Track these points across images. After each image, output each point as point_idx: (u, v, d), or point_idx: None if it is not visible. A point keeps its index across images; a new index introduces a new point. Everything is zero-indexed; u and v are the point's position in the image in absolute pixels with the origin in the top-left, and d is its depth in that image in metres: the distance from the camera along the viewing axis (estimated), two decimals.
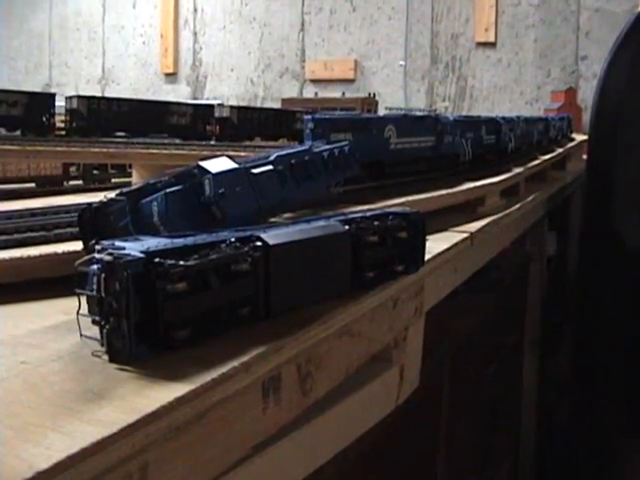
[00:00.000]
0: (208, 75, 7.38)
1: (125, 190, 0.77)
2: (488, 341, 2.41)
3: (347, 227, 0.82)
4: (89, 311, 0.62)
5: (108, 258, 0.59)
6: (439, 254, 1.20)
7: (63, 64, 7.69)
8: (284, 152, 0.94)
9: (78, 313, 0.63)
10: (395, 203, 1.30)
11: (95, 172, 2.07)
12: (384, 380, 1.31)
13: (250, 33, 7.08)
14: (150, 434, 0.52)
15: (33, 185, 1.93)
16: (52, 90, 7.53)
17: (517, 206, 1.82)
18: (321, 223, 0.80)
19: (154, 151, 1.72)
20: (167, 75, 7.48)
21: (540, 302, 3.53)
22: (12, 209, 1.09)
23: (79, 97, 2.02)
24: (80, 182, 2.01)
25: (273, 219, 0.89)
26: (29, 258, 0.84)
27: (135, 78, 7.53)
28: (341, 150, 1.07)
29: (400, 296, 1.27)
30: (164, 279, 0.60)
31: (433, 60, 6.16)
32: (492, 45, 5.84)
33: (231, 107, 2.32)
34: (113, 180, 2.10)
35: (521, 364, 3.16)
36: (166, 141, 2.04)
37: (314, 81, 6.83)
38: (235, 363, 0.61)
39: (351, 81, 6.58)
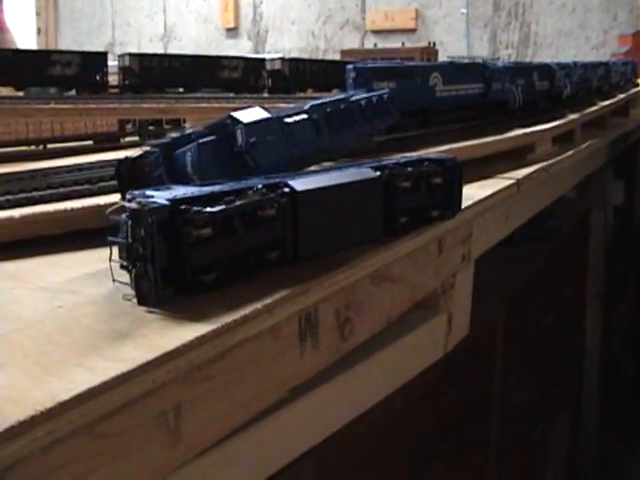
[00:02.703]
0: (269, 29, 7.36)
1: (159, 142, 0.80)
2: (545, 290, 2.39)
3: (379, 173, 0.83)
4: (120, 257, 0.64)
5: (135, 206, 0.62)
6: (482, 200, 1.20)
7: (125, 23, 7.77)
8: (320, 101, 0.95)
9: (110, 260, 0.66)
10: (438, 150, 1.29)
11: (150, 128, 2.11)
12: (431, 327, 1.31)
13: None
14: (171, 371, 0.54)
15: (91, 142, 1.99)
16: (115, 49, 7.63)
17: (570, 153, 1.78)
18: (352, 170, 0.81)
19: (204, 105, 1.74)
20: (228, 30, 7.49)
21: (604, 252, 3.48)
22: (62, 164, 1.13)
23: (131, 55, 2.06)
24: (136, 138, 2.05)
25: (310, 168, 0.90)
26: (72, 210, 0.87)
27: (196, 34, 7.57)
28: (380, 98, 1.07)
29: (445, 242, 1.27)
30: (189, 225, 0.62)
31: (495, 7, 6.02)
32: None
33: (282, 59, 2.33)
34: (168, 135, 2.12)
35: (582, 315, 3.13)
36: (218, 95, 2.07)
37: (375, 32, 6.76)
38: (258, 305, 0.63)
39: (412, 31, 6.48)
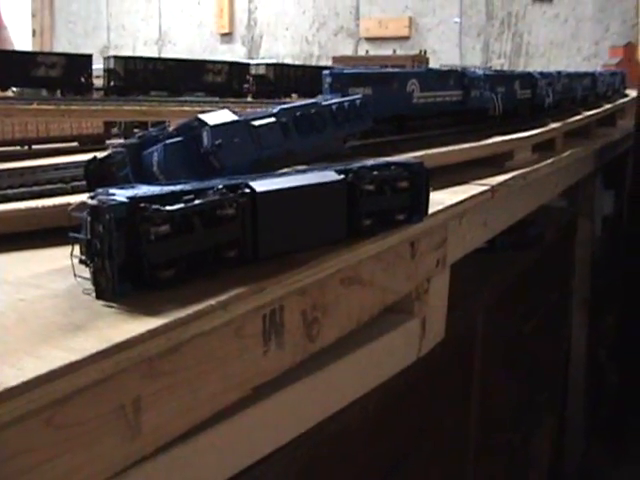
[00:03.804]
0: (263, 35, 7.40)
1: (125, 142, 0.81)
2: (526, 297, 2.41)
3: (342, 176, 0.84)
4: (80, 253, 0.66)
5: (94, 203, 0.64)
6: (453, 205, 1.21)
7: (120, 26, 7.80)
8: (289, 105, 0.97)
9: (72, 255, 0.67)
10: (413, 156, 1.31)
11: (136, 130, 2.12)
12: (404, 331, 1.33)
13: None
14: (120, 362, 0.56)
15: (76, 144, 2.00)
16: (110, 52, 7.65)
17: (549, 161, 1.81)
18: (316, 173, 0.83)
19: (187, 108, 1.76)
20: (223, 35, 7.53)
21: (590, 261, 3.50)
22: (40, 164, 1.14)
23: (115, 57, 2.08)
24: (122, 140, 2.06)
25: (279, 171, 0.92)
26: (43, 208, 0.89)
27: (191, 39, 7.60)
28: (352, 103, 1.09)
29: (419, 247, 1.29)
30: (147, 222, 0.64)
31: (489, 16, 6.06)
32: (549, 0, 5.71)
33: (267, 64, 2.35)
34: None
35: (566, 322, 3.15)
36: (201, 99, 2.09)
37: (369, 39, 6.79)
38: (212, 301, 0.65)
39: (406, 38, 6.52)
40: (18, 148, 1.91)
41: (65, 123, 1.85)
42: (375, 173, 0.90)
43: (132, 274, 0.65)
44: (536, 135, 1.79)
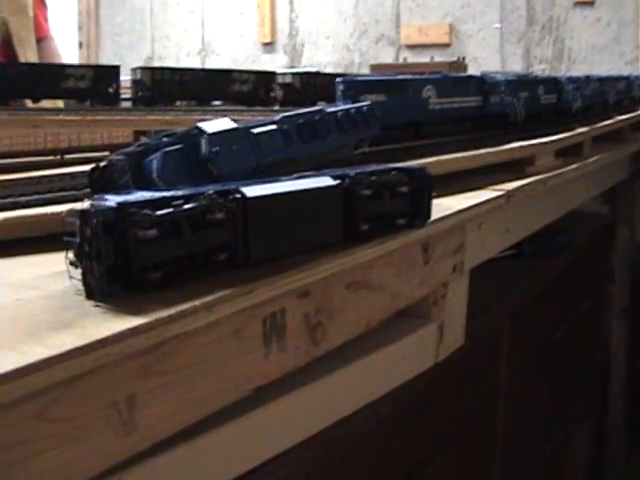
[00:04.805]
0: (305, 43, 7.43)
1: (127, 150, 0.84)
2: (558, 303, 2.39)
3: (338, 181, 0.86)
4: (73, 256, 0.69)
5: (84, 207, 0.66)
6: (463, 210, 1.22)
7: (164, 37, 7.91)
8: (292, 112, 0.99)
9: (67, 258, 0.70)
10: (424, 162, 1.32)
11: None
12: (421, 336, 1.34)
13: (345, 0, 7.08)
14: (100, 358, 0.58)
15: (107, 153, 2.05)
16: (154, 63, 7.77)
17: (574, 166, 1.80)
18: (312, 178, 0.85)
19: (210, 117, 1.79)
20: (265, 44, 7.58)
21: (629, 268, 3.45)
22: (56, 173, 1.18)
23: (142, 68, 2.12)
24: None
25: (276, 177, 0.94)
26: (53, 214, 0.93)
27: (234, 49, 7.67)
28: (358, 110, 1.10)
29: (433, 252, 1.30)
30: (135, 226, 0.67)
31: (529, 22, 6.01)
32: (590, 4, 5.64)
33: (293, 73, 2.38)
34: None
35: (601, 330, 3.11)
36: (227, 107, 2.12)
37: (409, 46, 6.78)
38: (196, 302, 0.67)
39: (446, 45, 6.50)
40: (51, 158, 1.96)
41: (96, 133, 1.90)
42: (373, 178, 0.92)
43: (122, 276, 0.68)
44: (559, 140, 1.78)
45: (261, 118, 0.98)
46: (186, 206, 0.70)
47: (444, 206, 1.28)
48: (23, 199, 0.99)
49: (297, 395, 1.00)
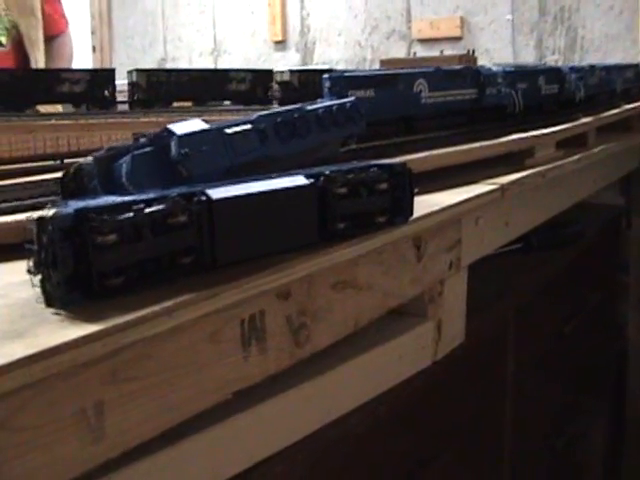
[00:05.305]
0: (316, 41, 7.41)
1: (95, 154, 0.83)
2: (567, 296, 2.36)
3: (310, 180, 0.85)
4: (32, 263, 0.68)
5: (40, 214, 0.65)
6: (452, 206, 1.20)
7: (176, 39, 7.92)
8: (269, 111, 0.97)
9: (28, 266, 0.69)
10: (416, 157, 1.30)
11: None
12: (416, 335, 1.32)
13: None
14: (50, 367, 0.57)
15: None
16: (167, 65, 7.79)
17: (575, 157, 1.77)
18: (283, 178, 0.84)
19: (205, 117, 1.78)
20: (276, 43, 7.57)
21: None
22: (42, 178, 1.18)
23: (137, 71, 2.12)
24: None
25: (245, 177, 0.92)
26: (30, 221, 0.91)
27: (245, 48, 7.67)
28: (341, 106, 1.09)
29: (426, 249, 1.28)
30: (92, 232, 0.65)
31: (541, 12, 5.95)
32: None
33: (291, 71, 2.37)
34: None
35: (615, 322, 3.07)
36: (224, 107, 2.12)
37: (421, 41, 6.74)
38: (156, 307, 0.66)
39: (458, 39, 6.45)
40: (50, 162, 1.96)
41: (95, 137, 1.89)
42: (350, 176, 0.90)
43: (82, 283, 0.67)
44: (560, 131, 1.75)
45: (238, 118, 0.96)
46: (147, 210, 0.69)
47: (436, 201, 1.26)
48: (3, 205, 0.98)
49: (288, 396, 0.99)
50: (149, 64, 7.73)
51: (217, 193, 0.75)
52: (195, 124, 0.86)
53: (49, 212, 0.66)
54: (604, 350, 2.87)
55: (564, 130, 1.79)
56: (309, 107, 1.04)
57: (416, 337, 1.31)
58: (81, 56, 7.37)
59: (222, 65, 7.69)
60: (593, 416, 2.75)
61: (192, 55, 7.77)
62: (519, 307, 1.90)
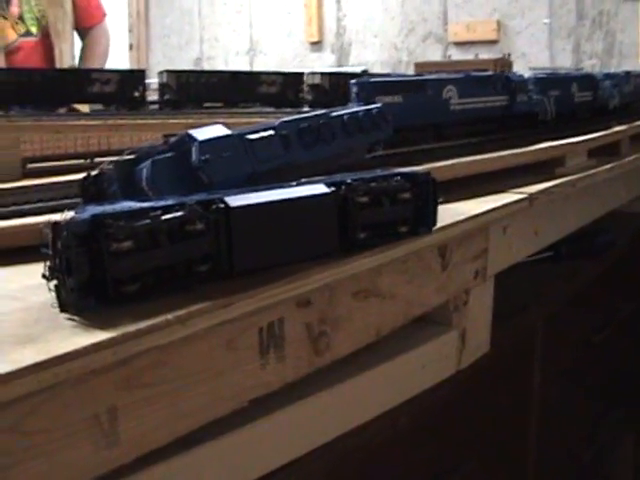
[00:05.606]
0: (352, 42, 7.40)
1: (116, 159, 0.83)
2: (597, 306, 2.32)
3: (331, 189, 0.84)
4: (48, 268, 0.68)
5: (56, 220, 0.65)
6: (476, 216, 1.18)
7: (213, 38, 7.96)
8: (292, 117, 0.97)
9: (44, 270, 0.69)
10: (443, 164, 1.29)
11: None
12: (440, 343, 1.31)
13: None
14: (60, 373, 0.57)
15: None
16: (203, 64, 7.83)
17: (607, 166, 1.74)
18: (303, 186, 0.83)
19: (234, 120, 1.79)
20: (312, 44, 7.57)
21: None
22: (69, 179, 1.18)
23: (168, 72, 2.12)
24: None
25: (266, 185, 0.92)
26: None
27: (281, 48, 7.68)
28: (367, 113, 1.08)
29: (451, 259, 1.26)
30: (108, 238, 0.65)
31: (579, 16, 5.88)
32: None
33: (322, 74, 2.36)
34: None
35: None
36: (254, 110, 2.12)
37: (457, 44, 6.70)
38: (169, 316, 0.66)
39: (494, 42, 6.40)
40: (81, 161, 1.98)
41: (125, 137, 1.91)
42: (372, 184, 0.89)
43: (97, 289, 0.67)
44: (592, 140, 1.72)
45: (261, 123, 0.96)
46: (164, 217, 0.69)
47: (463, 210, 1.25)
48: (26, 207, 0.99)
49: (306, 404, 0.99)
50: (185, 63, 7.78)
51: (235, 201, 0.74)
52: (217, 130, 0.86)
53: (65, 217, 0.66)
54: (635, 360, 2.82)
55: (596, 138, 1.76)
56: (334, 113, 1.03)
57: (440, 346, 1.30)
58: (118, 54, 7.44)
59: (258, 65, 7.71)
60: (623, 428, 2.71)
61: (228, 55, 7.81)
62: (548, 316, 1.87)
